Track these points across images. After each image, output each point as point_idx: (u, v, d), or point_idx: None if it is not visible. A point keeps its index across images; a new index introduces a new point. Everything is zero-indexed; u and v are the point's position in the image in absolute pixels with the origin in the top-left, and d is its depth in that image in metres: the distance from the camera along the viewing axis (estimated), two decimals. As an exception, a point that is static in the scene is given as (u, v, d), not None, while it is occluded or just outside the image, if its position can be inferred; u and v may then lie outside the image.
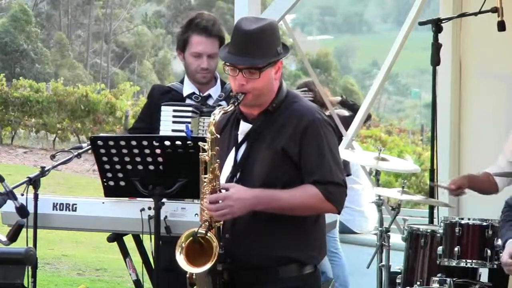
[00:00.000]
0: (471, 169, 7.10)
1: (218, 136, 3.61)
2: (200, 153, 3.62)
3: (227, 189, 3.59)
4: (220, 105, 3.69)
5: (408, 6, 8.69)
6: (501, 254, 4.83)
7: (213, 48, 4.72)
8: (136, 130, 4.85)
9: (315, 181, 3.59)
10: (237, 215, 3.58)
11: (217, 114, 3.62)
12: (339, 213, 3.76)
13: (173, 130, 4.66)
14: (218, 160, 3.60)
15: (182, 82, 4.89)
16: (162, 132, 4.68)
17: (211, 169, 3.59)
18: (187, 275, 3.65)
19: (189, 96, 4.80)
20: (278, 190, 3.59)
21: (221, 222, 3.62)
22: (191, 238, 3.60)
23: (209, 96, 4.80)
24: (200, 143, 3.63)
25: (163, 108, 4.72)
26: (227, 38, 3.94)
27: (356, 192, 7.79)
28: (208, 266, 3.54)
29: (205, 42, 4.72)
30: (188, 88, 4.82)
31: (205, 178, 3.61)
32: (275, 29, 3.69)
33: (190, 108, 4.70)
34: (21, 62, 41.45)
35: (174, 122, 4.70)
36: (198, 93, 4.79)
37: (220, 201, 3.56)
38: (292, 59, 48.83)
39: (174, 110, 4.71)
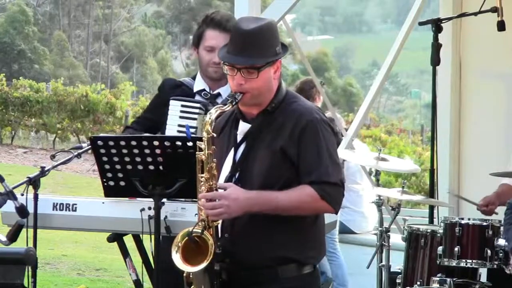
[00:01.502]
0: (471, 169, 7.13)
1: (214, 135, 3.61)
2: (197, 152, 3.62)
3: (224, 189, 3.59)
4: (224, 104, 3.68)
5: (408, 6, 8.70)
6: (501, 254, 4.84)
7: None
8: (145, 121, 4.87)
9: (312, 182, 3.59)
10: (233, 215, 3.58)
11: (213, 113, 3.62)
12: (336, 213, 3.76)
13: (179, 125, 4.64)
14: (215, 159, 3.60)
15: (194, 78, 4.89)
16: (169, 126, 4.66)
17: (207, 168, 3.59)
18: (184, 275, 3.65)
19: (199, 92, 4.79)
20: (274, 192, 3.59)
21: (219, 222, 3.62)
22: (186, 237, 3.60)
23: (219, 94, 4.77)
24: (198, 142, 3.63)
25: (171, 102, 4.71)
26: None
27: (356, 193, 7.80)
28: (203, 265, 3.54)
29: (219, 36, 4.70)
30: (199, 84, 4.81)
31: (201, 177, 3.61)
32: (274, 29, 3.69)
33: (198, 105, 4.68)
34: (20, 62, 41.47)
35: (181, 117, 4.67)
36: (208, 91, 4.78)
37: (216, 200, 3.56)
38: (290, 59, 48.81)
39: (183, 105, 4.69)
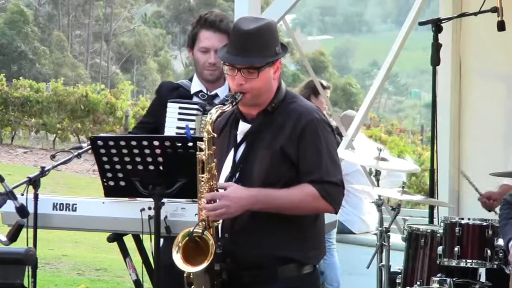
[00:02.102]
0: (471, 169, 7.12)
1: (215, 135, 3.62)
2: (197, 152, 3.63)
3: (224, 189, 3.59)
4: (224, 104, 3.69)
5: (408, 6, 8.70)
6: (501, 254, 4.84)
7: (221, 44, 4.68)
8: (144, 125, 4.88)
9: (312, 181, 3.59)
10: (234, 214, 3.58)
11: (214, 114, 3.62)
12: (336, 213, 3.76)
13: (178, 127, 4.66)
14: (215, 160, 3.60)
15: (191, 79, 4.90)
16: (167, 129, 4.68)
17: (208, 168, 3.59)
18: (185, 275, 3.66)
19: (196, 93, 4.80)
20: (275, 190, 3.59)
21: (219, 222, 3.62)
22: (187, 237, 3.60)
23: (216, 95, 4.79)
24: (198, 143, 3.64)
25: (169, 104, 4.72)
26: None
27: (356, 194, 7.78)
28: (204, 265, 3.54)
29: (213, 37, 4.71)
30: (196, 85, 4.82)
31: (202, 177, 3.62)
32: (274, 29, 3.69)
33: (196, 106, 4.70)
34: (20, 63, 41.49)
35: (179, 119, 4.69)
36: (205, 92, 4.79)
37: (217, 200, 3.57)
38: (290, 59, 48.84)
39: (180, 108, 4.71)
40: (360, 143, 7.79)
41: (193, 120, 4.63)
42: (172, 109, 4.71)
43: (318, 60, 51.35)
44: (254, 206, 3.57)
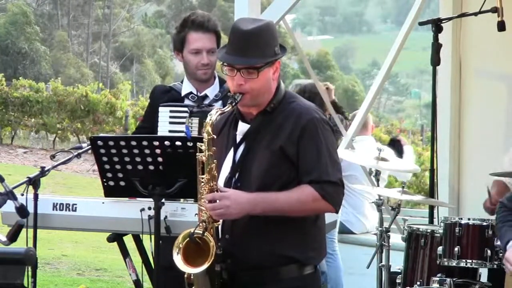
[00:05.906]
0: (471, 169, 7.12)
1: (215, 136, 3.62)
2: (197, 154, 3.62)
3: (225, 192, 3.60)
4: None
5: (408, 6, 8.71)
6: (501, 255, 4.84)
7: (211, 44, 4.74)
8: (141, 130, 4.90)
9: (312, 181, 3.59)
10: (234, 216, 3.58)
11: (214, 115, 3.62)
12: (336, 212, 3.76)
13: (170, 131, 4.67)
14: (215, 160, 3.60)
15: (183, 82, 4.91)
16: (160, 133, 4.69)
17: (208, 169, 3.59)
18: (185, 276, 3.66)
19: (187, 95, 4.82)
20: (274, 193, 3.59)
21: (219, 223, 3.62)
22: (188, 238, 3.60)
23: (206, 96, 4.80)
24: (198, 144, 3.64)
25: (160, 108, 4.74)
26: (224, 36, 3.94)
27: (357, 194, 7.78)
28: (205, 266, 3.54)
29: (203, 38, 4.73)
30: (186, 87, 4.83)
31: (202, 178, 3.61)
32: (273, 29, 3.69)
33: (186, 109, 4.71)
34: (22, 63, 41.52)
35: (171, 122, 4.71)
36: (195, 93, 4.80)
37: (217, 201, 3.56)
38: (294, 59, 48.91)
39: (171, 111, 4.72)
40: (366, 145, 7.78)
41: (184, 123, 4.64)
42: (163, 113, 4.73)
43: (325, 59, 51.38)
44: (254, 210, 3.57)
